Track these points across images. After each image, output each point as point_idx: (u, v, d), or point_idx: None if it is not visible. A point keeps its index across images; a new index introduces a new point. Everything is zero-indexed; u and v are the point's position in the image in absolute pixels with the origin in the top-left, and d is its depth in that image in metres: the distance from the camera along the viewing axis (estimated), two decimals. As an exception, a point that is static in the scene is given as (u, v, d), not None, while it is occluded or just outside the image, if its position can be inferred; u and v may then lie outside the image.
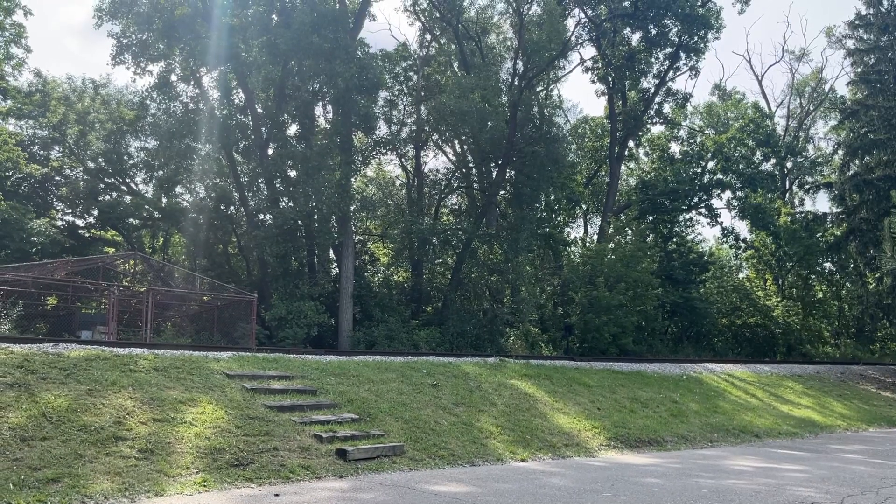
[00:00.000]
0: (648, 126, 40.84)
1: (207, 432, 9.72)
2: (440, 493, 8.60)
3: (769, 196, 44.56)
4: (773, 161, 45.89)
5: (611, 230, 37.84)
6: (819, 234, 40.81)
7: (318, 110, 32.11)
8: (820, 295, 43.69)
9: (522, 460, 11.66)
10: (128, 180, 37.51)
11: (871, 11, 35.40)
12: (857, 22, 35.89)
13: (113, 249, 36.59)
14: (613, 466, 11.49)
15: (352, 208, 29.90)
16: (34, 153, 35.45)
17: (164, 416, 9.89)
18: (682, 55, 37.35)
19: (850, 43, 37.23)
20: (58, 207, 36.04)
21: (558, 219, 42.35)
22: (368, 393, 13.32)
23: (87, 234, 36.53)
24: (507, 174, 33.21)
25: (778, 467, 11.87)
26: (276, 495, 8.08)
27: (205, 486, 8.31)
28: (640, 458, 12.79)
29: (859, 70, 36.09)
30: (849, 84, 38.52)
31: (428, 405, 13.44)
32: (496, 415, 13.89)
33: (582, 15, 36.82)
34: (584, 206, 44.67)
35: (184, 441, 9.30)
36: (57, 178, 35.57)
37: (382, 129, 33.58)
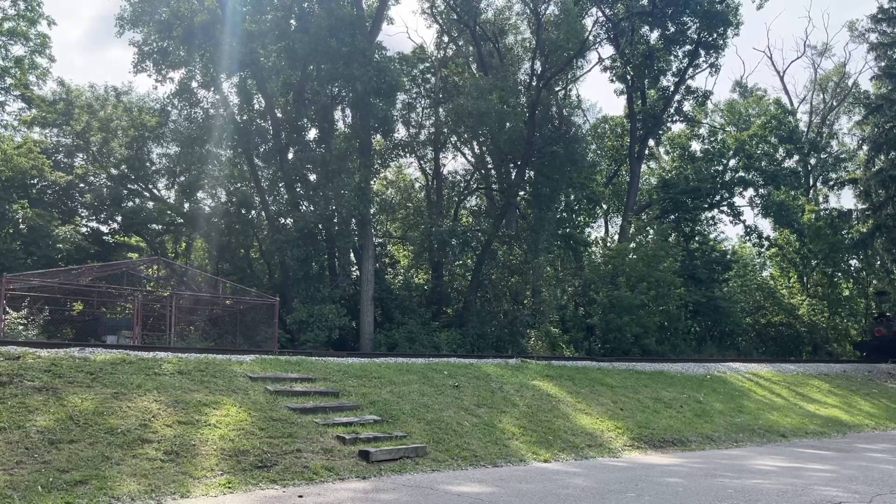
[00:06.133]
0: (668, 124, 40.52)
1: (231, 434, 9.79)
2: (463, 493, 8.60)
3: (792, 193, 44.02)
4: (796, 158, 45.31)
5: (632, 230, 37.63)
6: (844, 231, 40.24)
7: (337, 114, 32.32)
8: (846, 293, 43.09)
9: (545, 461, 11.61)
10: (150, 186, 37.98)
11: (894, 5, 34.89)
12: (879, 16, 35.40)
13: (136, 255, 37.05)
14: (637, 467, 11.41)
15: (371, 211, 30.01)
16: (59, 161, 36.02)
17: (189, 419, 9.98)
18: (702, 52, 37.05)
19: (872, 37, 36.75)
20: (82, 214, 36.57)
21: (578, 219, 42.15)
22: (390, 395, 13.34)
23: (111, 240, 37.02)
24: (527, 175, 33.16)
25: (804, 467, 11.71)
26: (300, 496, 8.12)
27: (229, 487, 8.38)
28: (664, 458, 12.68)
29: (883, 64, 35.57)
30: (872, 79, 37.99)
31: (450, 406, 13.43)
32: (518, 416, 13.85)
33: (599, 14, 36.67)
34: (604, 206, 44.42)
35: (208, 443, 9.38)
36: (81, 184, 36.09)
37: (401, 132, 33.74)
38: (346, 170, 28.26)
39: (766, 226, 51.75)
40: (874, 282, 42.85)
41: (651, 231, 38.76)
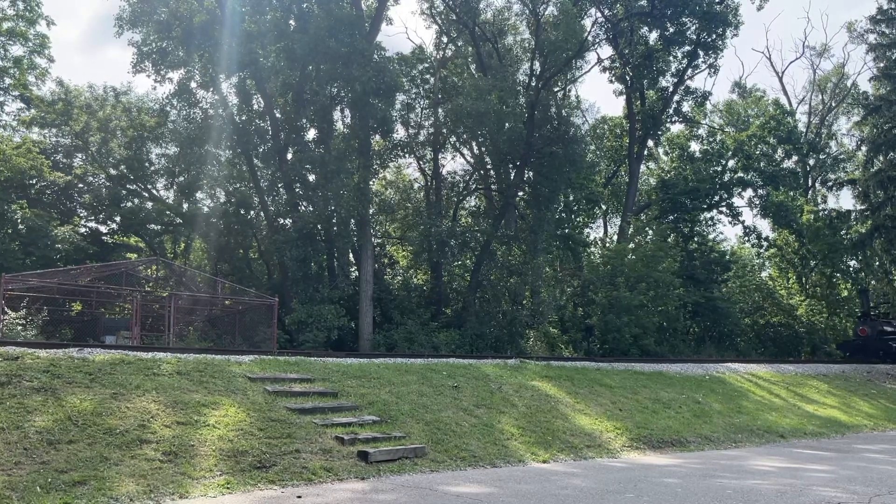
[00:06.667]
0: (667, 125, 40.57)
1: (230, 434, 9.79)
2: (461, 494, 8.60)
3: (791, 194, 44.05)
4: (794, 158, 45.34)
5: (631, 230, 37.62)
6: (843, 232, 40.27)
7: (336, 114, 32.28)
8: (845, 293, 43.12)
9: (544, 461, 11.62)
10: (149, 186, 37.95)
11: (893, 6, 34.93)
12: (878, 17, 35.42)
13: (135, 255, 37.02)
14: (636, 467, 11.42)
15: (370, 211, 29.99)
16: (57, 161, 35.98)
17: (188, 419, 9.98)
18: (701, 53, 37.10)
19: (871, 38, 36.75)
20: (81, 214, 36.53)
21: (578, 219, 42.18)
22: (389, 395, 13.34)
23: (109, 241, 36.98)
24: (526, 175, 33.15)
25: (803, 468, 11.72)
26: (299, 497, 8.12)
27: (228, 487, 8.38)
28: (663, 458, 12.69)
29: (882, 65, 35.60)
30: (871, 79, 38.02)
31: (449, 407, 13.43)
32: (517, 416, 13.85)
33: (598, 14, 36.70)
34: (603, 207, 44.43)
35: (207, 443, 9.38)
36: (80, 185, 36.05)
37: (400, 132, 33.70)
38: (345, 170, 28.24)
39: (764, 226, 51.83)
40: (872, 282, 42.88)
41: (650, 231, 38.76)
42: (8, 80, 34.93)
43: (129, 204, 36.46)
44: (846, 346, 35.18)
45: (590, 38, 34.79)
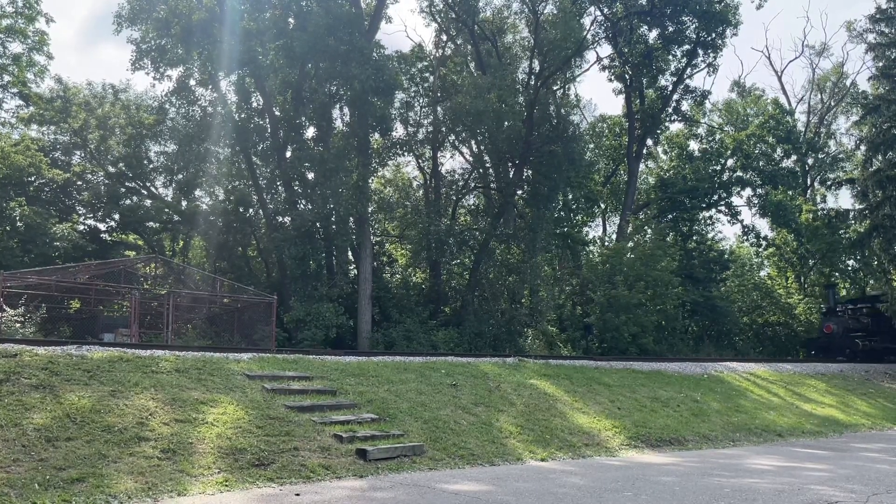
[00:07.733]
0: (667, 124, 40.55)
1: (228, 432, 9.79)
2: (459, 492, 8.60)
3: (790, 193, 44.08)
4: (793, 157, 45.35)
5: (630, 229, 37.60)
6: (842, 231, 40.31)
7: (335, 112, 32.22)
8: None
9: (542, 460, 11.63)
10: (148, 184, 37.92)
11: (892, 5, 34.88)
12: (877, 16, 35.37)
13: (134, 253, 36.98)
14: (634, 466, 11.42)
15: (369, 210, 29.96)
16: (56, 158, 35.94)
17: (186, 417, 9.98)
18: (700, 52, 37.07)
19: (870, 37, 36.68)
20: (79, 212, 36.49)
21: (576, 218, 42.19)
22: (388, 393, 13.35)
23: (108, 238, 36.96)
24: (525, 174, 33.13)
25: (801, 466, 11.74)
26: (297, 495, 8.12)
27: (226, 485, 8.38)
28: (661, 457, 12.70)
29: (881, 64, 35.54)
30: (870, 79, 37.98)
31: (447, 405, 13.44)
32: (515, 414, 13.86)
33: (598, 13, 36.66)
34: (602, 206, 44.44)
35: (205, 441, 9.38)
36: (78, 182, 36.02)
37: (399, 131, 33.68)
38: (344, 168, 28.23)
39: (763, 225, 51.81)
40: (871, 282, 42.91)
41: (649, 230, 38.77)
42: (7, 77, 34.90)
43: (128, 202, 36.44)
44: (812, 343, 35.06)
45: (589, 36, 34.76)
